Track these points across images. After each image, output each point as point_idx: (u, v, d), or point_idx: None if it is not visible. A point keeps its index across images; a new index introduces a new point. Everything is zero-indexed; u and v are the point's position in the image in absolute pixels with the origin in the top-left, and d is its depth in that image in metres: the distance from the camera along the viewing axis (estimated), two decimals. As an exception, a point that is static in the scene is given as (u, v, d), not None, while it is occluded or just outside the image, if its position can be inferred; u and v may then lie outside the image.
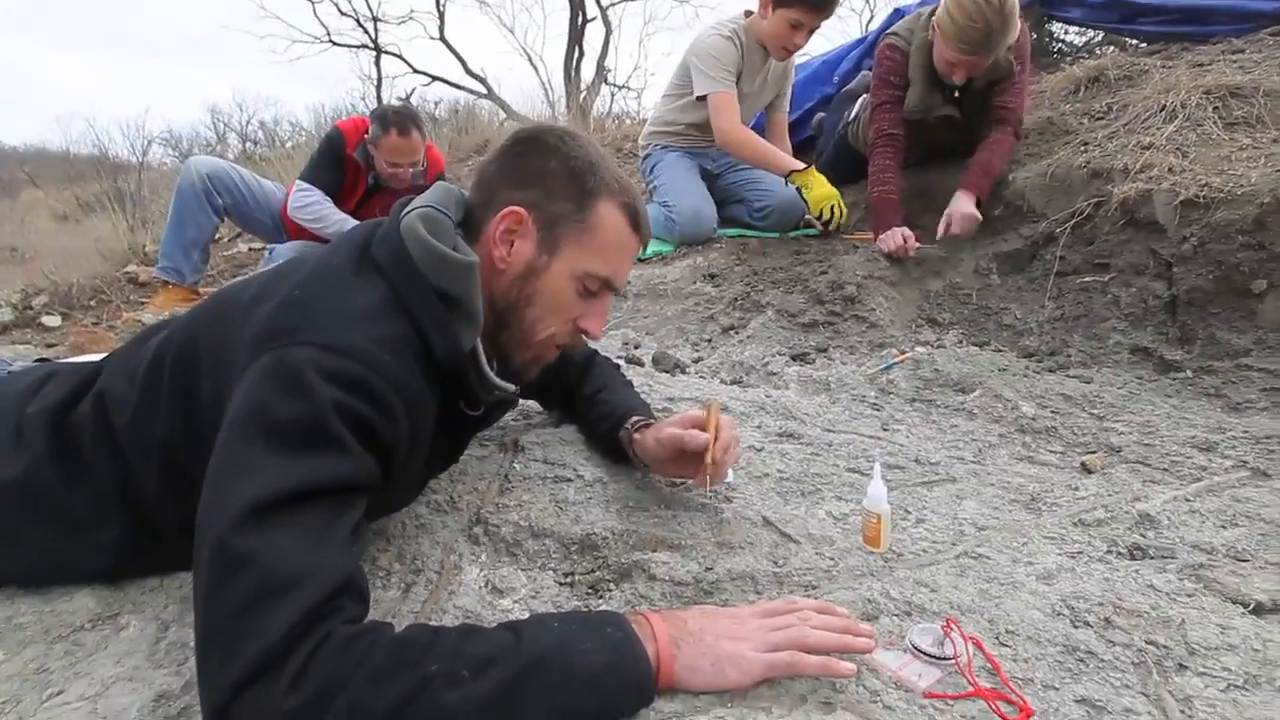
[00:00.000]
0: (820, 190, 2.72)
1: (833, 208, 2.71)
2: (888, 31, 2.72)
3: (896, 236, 2.49)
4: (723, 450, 1.10)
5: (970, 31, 2.30)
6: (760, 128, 3.33)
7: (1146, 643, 0.89)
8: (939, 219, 2.53)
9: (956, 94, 2.62)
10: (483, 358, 0.98)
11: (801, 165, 2.78)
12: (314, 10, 13.40)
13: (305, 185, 3.22)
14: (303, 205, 3.20)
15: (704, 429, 1.11)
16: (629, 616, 0.80)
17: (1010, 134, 2.57)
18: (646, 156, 3.27)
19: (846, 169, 3.10)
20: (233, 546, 0.70)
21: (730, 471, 1.31)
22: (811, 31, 2.83)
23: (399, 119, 3.09)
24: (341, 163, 3.22)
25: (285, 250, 3.41)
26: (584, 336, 1.05)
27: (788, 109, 3.31)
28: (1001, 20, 2.27)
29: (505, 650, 0.72)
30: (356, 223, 3.14)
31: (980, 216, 2.47)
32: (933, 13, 2.54)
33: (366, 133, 3.16)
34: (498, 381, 1.01)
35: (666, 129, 3.21)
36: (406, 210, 0.96)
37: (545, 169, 0.98)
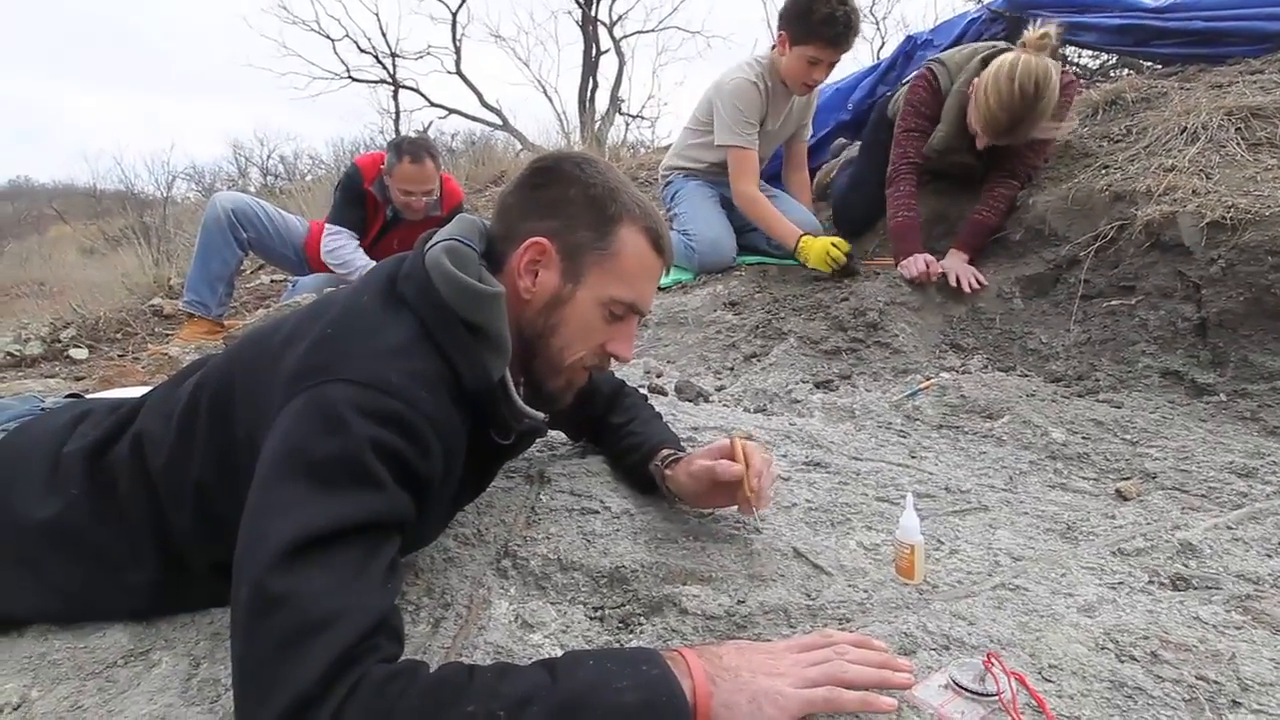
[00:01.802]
0: (815, 252, 2.68)
1: (831, 252, 2.66)
2: (932, 59, 2.71)
3: (919, 263, 2.48)
4: (757, 476, 1.09)
5: (995, 121, 2.32)
6: (780, 155, 3.36)
7: (1197, 678, 0.87)
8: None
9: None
10: (512, 386, 0.99)
11: (798, 235, 2.76)
12: (334, 48, 13.70)
13: (333, 228, 3.28)
14: (330, 250, 3.27)
15: (732, 459, 1.11)
16: (664, 653, 0.79)
17: (1015, 188, 2.58)
18: (668, 184, 3.29)
19: (883, 145, 3.09)
20: (270, 586, 0.70)
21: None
22: (831, 66, 2.85)
23: (412, 147, 3.14)
24: (361, 197, 3.28)
25: (308, 282, 3.46)
26: (613, 359, 1.06)
27: (808, 137, 3.33)
28: (1028, 110, 2.26)
29: (541, 689, 0.71)
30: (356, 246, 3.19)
31: (973, 270, 2.49)
32: (985, 60, 2.51)
33: (383, 165, 3.21)
34: (527, 410, 1.02)
35: (689, 164, 3.23)
36: (430, 244, 0.97)
37: (565, 198, 0.99)
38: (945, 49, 3.34)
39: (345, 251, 3.24)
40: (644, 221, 1.01)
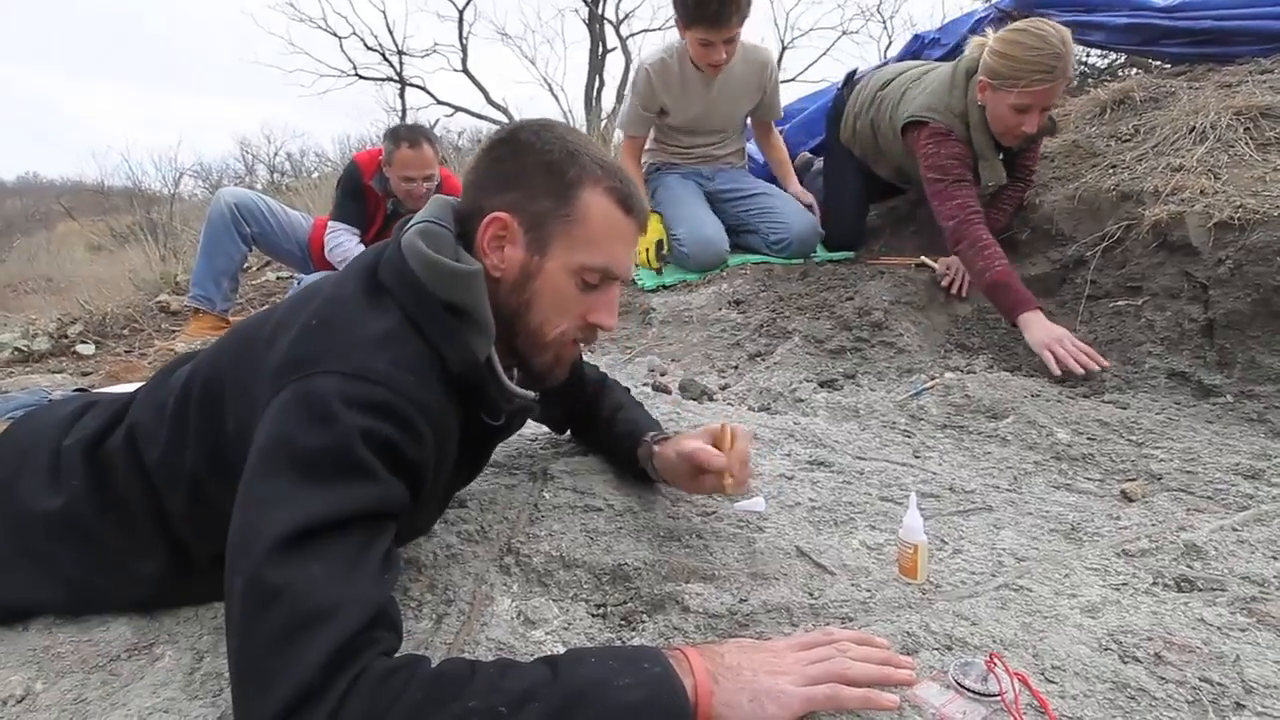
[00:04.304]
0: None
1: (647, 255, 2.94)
2: (917, 115, 2.47)
3: (1080, 355, 2.02)
4: (739, 463, 1.09)
5: (1043, 58, 2.14)
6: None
7: (1200, 680, 0.86)
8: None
9: (1001, 155, 2.47)
10: (499, 366, 0.98)
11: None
12: (340, 45, 13.78)
13: (335, 225, 3.30)
14: (331, 249, 3.28)
15: (720, 444, 1.10)
16: (666, 652, 0.79)
17: (1022, 190, 2.56)
18: (647, 180, 3.25)
19: (846, 175, 3.03)
20: (265, 579, 0.70)
21: (761, 500, 1.30)
22: (729, 43, 2.77)
23: (410, 133, 3.14)
24: (361, 192, 3.28)
25: (312, 280, 3.47)
26: (599, 330, 1.03)
27: (775, 117, 3.27)
28: (1062, 38, 2.15)
29: (542, 685, 0.71)
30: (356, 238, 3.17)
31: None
32: (968, 80, 2.36)
33: (382, 157, 3.20)
34: (516, 390, 1.00)
35: (662, 155, 3.27)
36: (407, 228, 0.96)
37: (523, 167, 0.96)
38: (952, 48, 3.34)
39: (344, 249, 3.24)
40: (608, 182, 0.97)
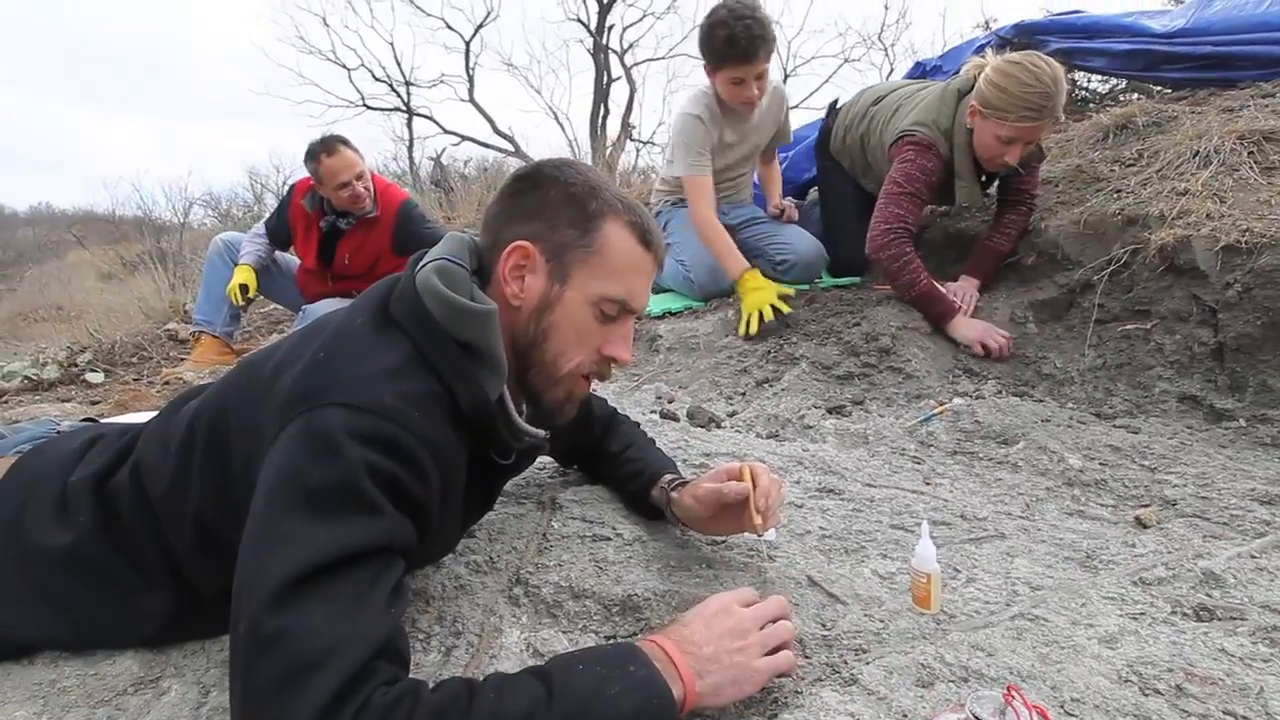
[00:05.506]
0: (751, 297, 2.63)
1: (762, 314, 2.58)
2: (913, 127, 2.53)
3: (992, 336, 2.32)
4: (764, 495, 1.08)
5: (1033, 96, 2.19)
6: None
7: (1224, 713, 0.85)
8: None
9: (984, 179, 2.53)
10: (510, 405, 0.97)
11: (743, 270, 2.72)
12: (349, 76, 13.98)
13: (254, 228, 3.57)
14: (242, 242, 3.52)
15: (739, 480, 1.10)
16: (644, 645, 0.82)
17: (1025, 214, 2.56)
18: (658, 214, 3.25)
19: (845, 202, 3.03)
20: (266, 625, 0.69)
21: (773, 530, 1.29)
22: (761, 77, 2.75)
23: (324, 144, 3.20)
24: (286, 211, 3.44)
25: (317, 309, 3.50)
26: (613, 364, 1.03)
27: (789, 138, 3.30)
28: (1055, 79, 2.19)
29: (539, 705, 0.72)
30: (257, 246, 3.43)
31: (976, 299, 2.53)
32: (959, 100, 2.43)
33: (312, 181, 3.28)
34: (527, 428, 1.00)
35: (674, 190, 3.24)
36: (422, 265, 0.96)
37: (546, 200, 0.97)
38: (953, 76, 3.37)
39: (245, 245, 3.49)
40: (628, 216, 0.98)
